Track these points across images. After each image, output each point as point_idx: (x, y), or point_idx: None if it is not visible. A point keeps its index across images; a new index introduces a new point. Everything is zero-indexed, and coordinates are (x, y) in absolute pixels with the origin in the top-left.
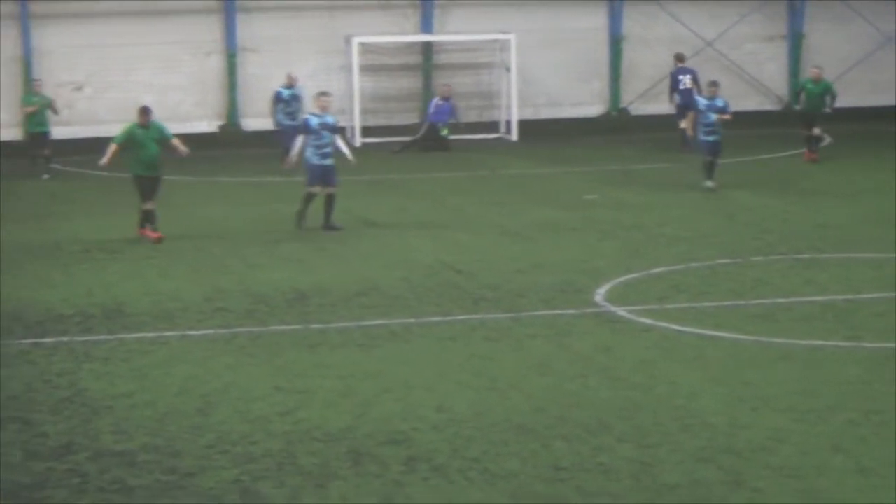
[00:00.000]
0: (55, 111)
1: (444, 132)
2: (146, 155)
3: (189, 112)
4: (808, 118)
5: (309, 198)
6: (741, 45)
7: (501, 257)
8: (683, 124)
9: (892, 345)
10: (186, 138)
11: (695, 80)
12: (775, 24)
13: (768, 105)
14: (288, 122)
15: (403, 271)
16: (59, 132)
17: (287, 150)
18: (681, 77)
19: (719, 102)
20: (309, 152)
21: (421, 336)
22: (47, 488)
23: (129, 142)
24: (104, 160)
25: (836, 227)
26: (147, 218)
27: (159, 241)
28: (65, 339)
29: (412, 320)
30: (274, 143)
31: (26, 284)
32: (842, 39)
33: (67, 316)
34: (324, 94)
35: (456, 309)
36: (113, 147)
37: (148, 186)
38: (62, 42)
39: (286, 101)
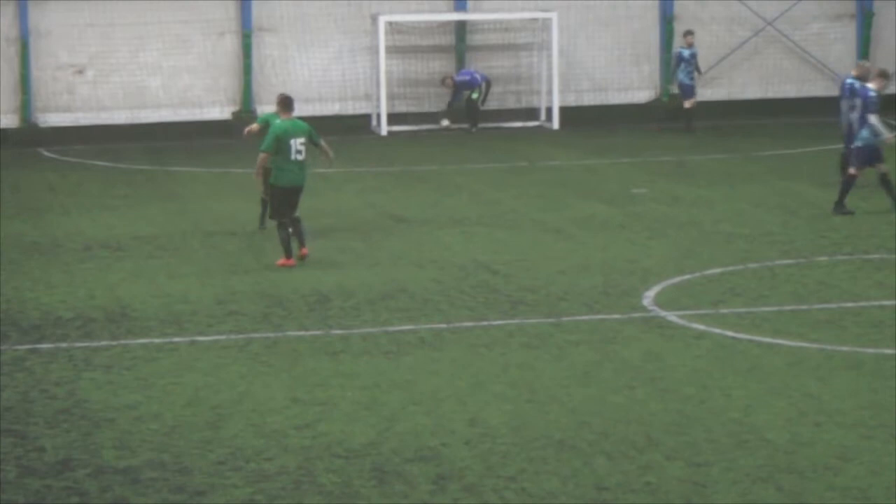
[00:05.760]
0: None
1: (475, 94)
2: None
3: (200, 97)
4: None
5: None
6: (805, 24)
7: (541, 257)
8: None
9: None
10: (197, 126)
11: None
12: (843, 2)
13: (835, 91)
14: (688, 81)
15: (434, 272)
16: (58, 119)
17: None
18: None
19: None
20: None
21: (453, 343)
22: None
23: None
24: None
25: None
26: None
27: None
28: (64, 344)
29: (443, 326)
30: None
31: (22, 285)
32: None
33: (67, 319)
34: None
35: (491, 313)
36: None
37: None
38: (62, 21)
39: (687, 61)
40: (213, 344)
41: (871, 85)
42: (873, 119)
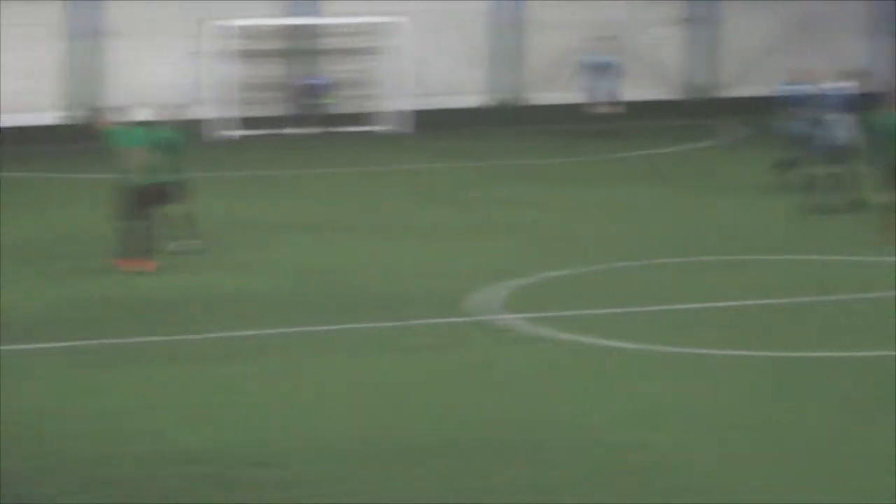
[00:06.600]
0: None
1: (326, 99)
2: None
3: (30, 102)
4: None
5: None
6: (641, 28)
7: (386, 261)
8: None
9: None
10: (21, 131)
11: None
12: (676, 6)
13: (668, 94)
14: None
15: (280, 277)
16: None
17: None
18: None
19: None
20: None
21: (298, 348)
22: None
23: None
24: None
25: (737, 227)
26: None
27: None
28: None
29: (288, 330)
30: None
31: None
32: (753, 23)
33: None
34: None
35: (336, 318)
36: None
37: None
38: None
39: None
40: (50, 350)
41: None
42: None
